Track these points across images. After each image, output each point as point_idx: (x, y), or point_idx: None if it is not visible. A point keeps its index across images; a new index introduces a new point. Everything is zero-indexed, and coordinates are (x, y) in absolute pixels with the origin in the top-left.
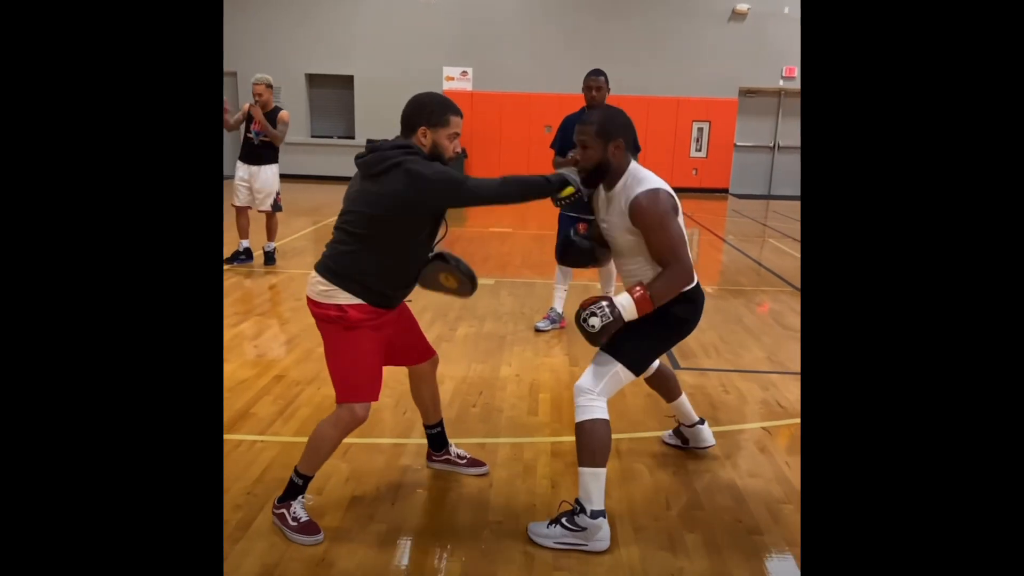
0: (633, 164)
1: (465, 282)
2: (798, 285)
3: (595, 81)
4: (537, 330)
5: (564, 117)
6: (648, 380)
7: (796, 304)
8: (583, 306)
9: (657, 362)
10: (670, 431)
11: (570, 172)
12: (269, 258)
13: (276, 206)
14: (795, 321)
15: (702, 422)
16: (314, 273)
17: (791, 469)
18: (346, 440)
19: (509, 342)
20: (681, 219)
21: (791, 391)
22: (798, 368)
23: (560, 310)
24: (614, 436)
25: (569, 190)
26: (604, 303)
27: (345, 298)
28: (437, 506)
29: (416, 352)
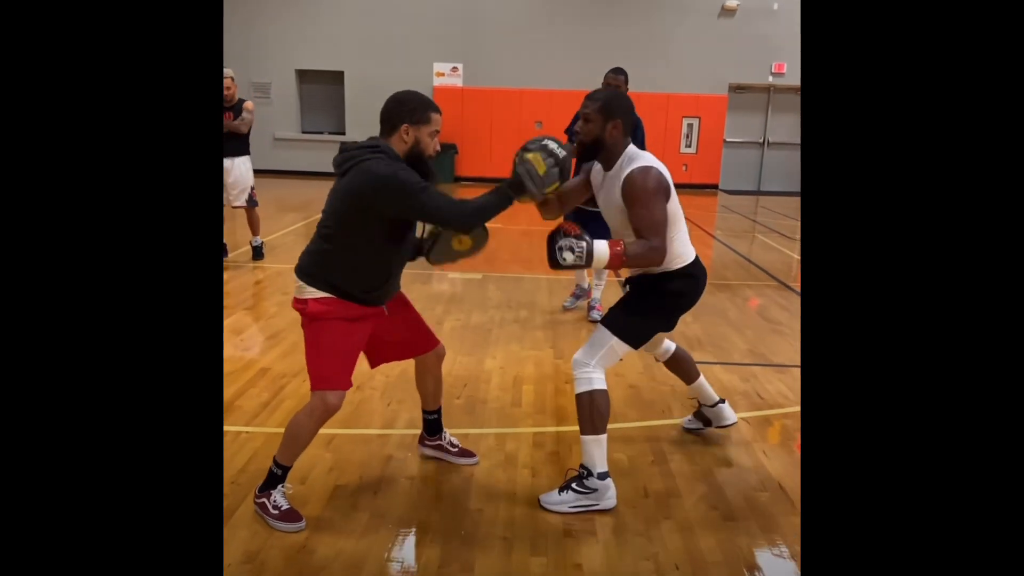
0: (632, 147)
1: (480, 234)
2: (783, 280)
3: (614, 79)
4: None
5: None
6: (667, 363)
7: (780, 298)
8: (565, 231)
9: (673, 345)
10: (689, 416)
11: (525, 168)
12: (257, 253)
13: (252, 201)
14: (779, 315)
15: (723, 401)
16: (295, 275)
17: (768, 458)
18: (330, 430)
19: (495, 335)
20: (675, 203)
21: (771, 383)
22: (779, 361)
23: (585, 285)
24: None
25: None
26: (584, 244)
27: (311, 293)
28: (419, 495)
29: (419, 345)
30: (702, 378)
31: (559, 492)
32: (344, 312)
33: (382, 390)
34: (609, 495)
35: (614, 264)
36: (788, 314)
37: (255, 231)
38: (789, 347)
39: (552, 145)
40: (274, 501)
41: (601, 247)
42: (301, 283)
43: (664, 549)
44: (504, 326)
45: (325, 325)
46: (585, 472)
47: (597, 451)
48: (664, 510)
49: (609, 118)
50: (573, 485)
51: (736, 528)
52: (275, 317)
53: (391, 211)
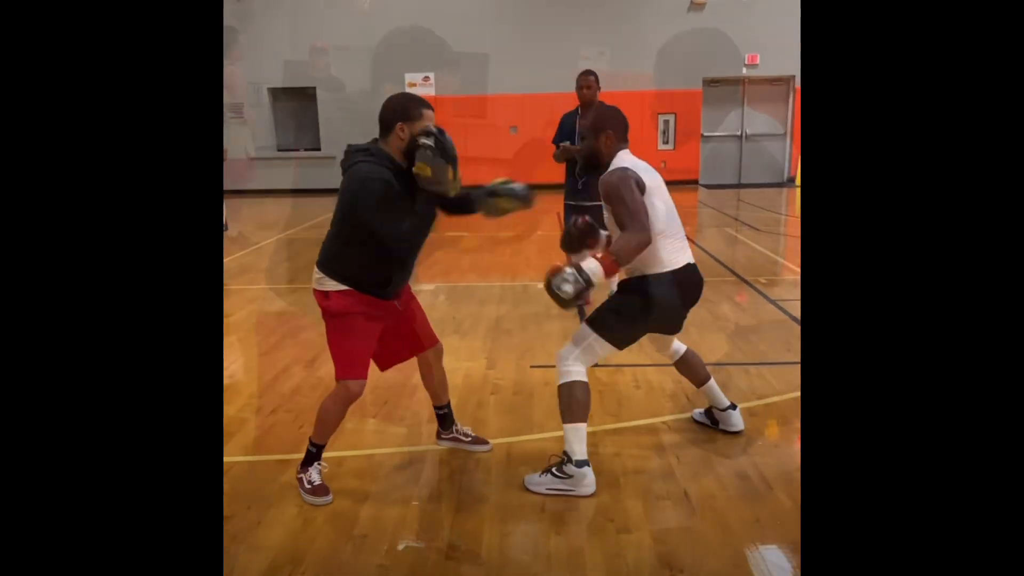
0: (622, 152)
1: (526, 195)
2: (742, 275)
3: (585, 80)
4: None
5: (562, 115)
6: (676, 365)
7: (734, 293)
8: (552, 273)
9: (683, 347)
10: (700, 410)
11: (424, 149)
12: None
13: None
14: (728, 310)
15: (734, 407)
16: (315, 267)
17: (680, 463)
18: (230, 458)
19: None
20: (655, 196)
21: None
22: (715, 359)
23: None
24: (512, 439)
25: (422, 167)
26: (573, 270)
27: (332, 285)
28: (304, 523)
29: (424, 339)
30: (712, 381)
31: (539, 474)
32: (363, 308)
33: (297, 413)
34: (586, 483)
35: (611, 268)
36: (738, 311)
37: None
38: (729, 344)
39: None
40: (309, 477)
41: (590, 263)
42: (322, 275)
43: (547, 561)
44: (443, 337)
45: (347, 320)
46: (565, 459)
47: (575, 438)
48: (557, 524)
49: (601, 131)
50: (553, 469)
51: (628, 541)
52: None
53: (357, 211)
